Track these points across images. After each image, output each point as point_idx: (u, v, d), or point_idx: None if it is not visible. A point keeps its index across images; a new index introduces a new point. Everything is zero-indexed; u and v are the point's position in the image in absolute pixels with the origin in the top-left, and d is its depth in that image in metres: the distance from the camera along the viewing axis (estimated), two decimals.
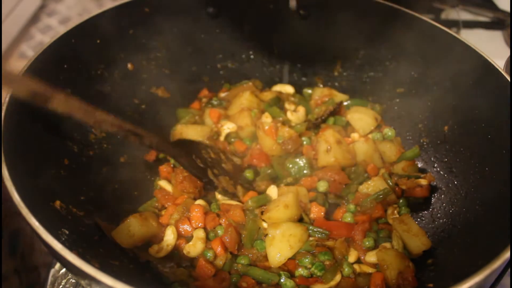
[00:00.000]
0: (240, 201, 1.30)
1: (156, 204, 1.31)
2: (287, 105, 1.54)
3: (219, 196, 1.31)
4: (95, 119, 1.05)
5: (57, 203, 1.04)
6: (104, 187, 1.26)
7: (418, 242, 1.17)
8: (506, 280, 1.21)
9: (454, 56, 1.33)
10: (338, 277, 1.15)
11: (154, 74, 1.48)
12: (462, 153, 1.29)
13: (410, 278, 1.10)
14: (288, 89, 1.59)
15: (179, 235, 1.22)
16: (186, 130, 1.44)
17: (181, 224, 1.22)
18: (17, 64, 2.08)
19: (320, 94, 1.54)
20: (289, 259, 1.19)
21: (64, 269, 1.18)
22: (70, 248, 0.84)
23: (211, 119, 1.49)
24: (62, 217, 1.03)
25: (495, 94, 1.20)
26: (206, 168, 1.32)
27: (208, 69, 1.57)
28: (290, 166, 1.39)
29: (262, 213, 1.24)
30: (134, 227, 1.16)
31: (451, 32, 1.33)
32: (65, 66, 1.22)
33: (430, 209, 1.30)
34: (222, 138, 1.45)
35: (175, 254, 1.19)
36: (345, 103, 1.53)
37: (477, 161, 1.23)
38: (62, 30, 1.23)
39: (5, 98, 1.03)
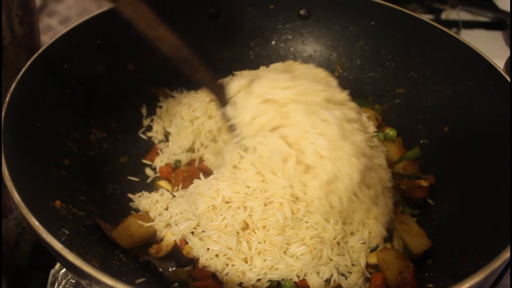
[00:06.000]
0: None
1: None
2: None
3: None
4: (157, 34, 1.00)
5: (57, 203, 1.04)
6: (104, 187, 1.26)
7: (419, 242, 1.17)
8: (506, 280, 1.21)
9: (454, 56, 1.33)
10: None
11: (154, 74, 1.48)
12: (462, 153, 1.29)
13: (410, 278, 1.10)
14: None
15: None
16: None
17: None
18: None
19: None
20: None
21: (64, 269, 1.18)
22: (70, 248, 0.84)
23: None
24: (62, 217, 1.03)
25: (495, 94, 1.21)
26: None
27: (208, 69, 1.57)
28: None
29: None
30: (134, 227, 1.15)
31: (451, 32, 1.33)
32: (65, 66, 1.22)
33: (430, 209, 1.30)
34: None
35: (175, 254, 1.19)
36: None
37: (477, 161, 1.23)
38: (62, 30, 1.23)
39: (6, 98, 1.03)
